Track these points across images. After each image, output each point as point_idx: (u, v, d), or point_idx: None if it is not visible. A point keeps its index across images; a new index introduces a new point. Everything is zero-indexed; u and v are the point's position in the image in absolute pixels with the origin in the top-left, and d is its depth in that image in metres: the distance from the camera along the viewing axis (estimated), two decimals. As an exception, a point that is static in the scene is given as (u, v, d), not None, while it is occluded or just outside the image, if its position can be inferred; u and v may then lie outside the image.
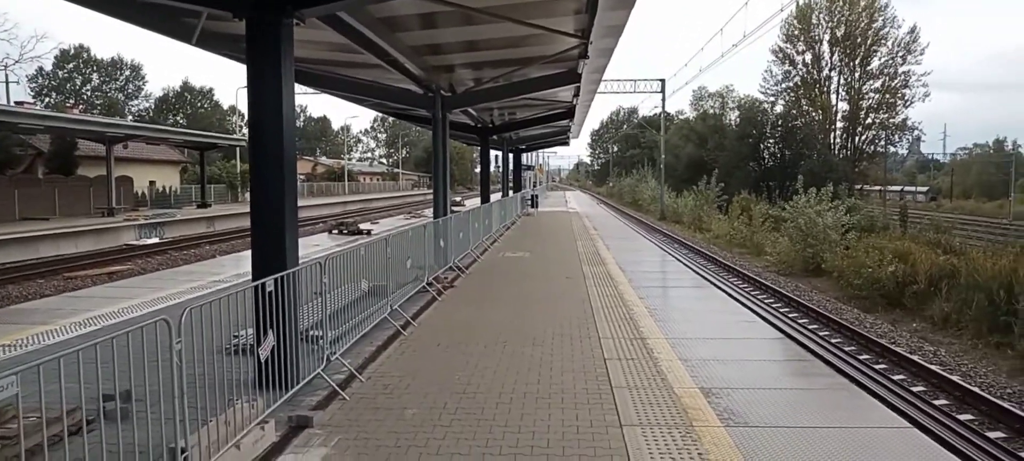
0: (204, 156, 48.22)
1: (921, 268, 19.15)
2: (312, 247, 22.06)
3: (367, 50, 12.34)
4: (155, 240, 32.63)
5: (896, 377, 11.72)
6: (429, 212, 23.83)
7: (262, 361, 5.73)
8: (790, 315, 16.60)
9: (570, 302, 11.65)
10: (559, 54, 13.77)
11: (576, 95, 19.75)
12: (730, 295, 16.79)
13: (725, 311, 11.87)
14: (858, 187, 57.80)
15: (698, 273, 20.67)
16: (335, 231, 26.35)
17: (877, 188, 66.46)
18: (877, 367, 12.34)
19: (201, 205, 45.74)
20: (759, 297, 19.02)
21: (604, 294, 12.50)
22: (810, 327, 15.46)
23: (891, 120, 71.54)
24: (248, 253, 23.40)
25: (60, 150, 40.90)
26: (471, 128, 26.83)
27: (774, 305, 18.08)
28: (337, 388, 6.89)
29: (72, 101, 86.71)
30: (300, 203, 40.52)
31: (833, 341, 14.25)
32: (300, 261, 7.37)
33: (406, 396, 6.81)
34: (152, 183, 51.42)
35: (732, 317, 11.18)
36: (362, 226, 27.33)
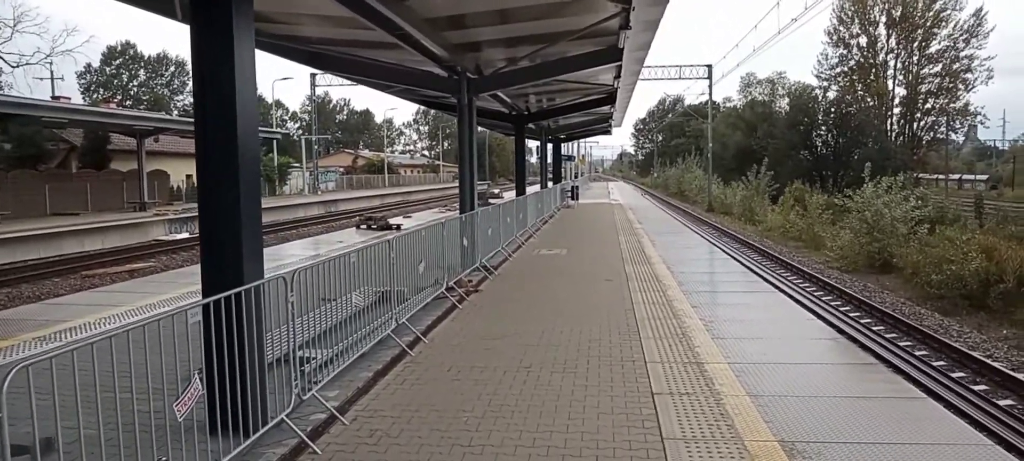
0: (239, 149, 47.44)
1: (1009, 265, 17.00)
2: (335, 243, 20.74)
3: (376, 24, 10.83)
4: (185, 235, 31.79)
5: (1003, 403, 9.80)
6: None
7: (179, 420, 4.22)
8: (865, 322, 14.55)
9: (610, 311, 9.99)
10: (597, 25, 12.04)
11: (618, 76, 17.96)
12: (794, 299, 14.88)
13: (793, 321, 10.06)
14: (917, 175, 54.75)
15: (755, 271, 18.76)
16: (363, 226, 24.98)
17: (938, 176, 63.13)
18: (976, 388, 10.41)
19: (236, 199, 44.99)
20: (827, 301, 16.97)
21: (650, 301, 10.80)
22: (896, 340, 13.40)
23: (951, 105, 68.07)
24: (276, 248, 22.40)
25: (93, 144, 40.47)
26: (505, 116, 25.17)
27: (843, 309, 16.08)
28: (305, 438, 5.37)
29: (108, 96, 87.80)
30: (338, 196, 39.73)
31: (921, 355, 12.29)
32: (294, 265, 5.87)
33: (395, 449, 5.27)
34: (189, 177, 50.97)
35: (801, 329, 9.38)
36: (392, 221, 25.93)
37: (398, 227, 23.95)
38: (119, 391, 3.83)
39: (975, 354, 12.01)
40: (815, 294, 17.89)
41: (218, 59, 5.37)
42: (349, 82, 48.75)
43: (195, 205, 35.04)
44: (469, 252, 13.13)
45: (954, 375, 11.02)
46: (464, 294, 11.21)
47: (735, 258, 21.40)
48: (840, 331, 11.25)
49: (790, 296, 14.83)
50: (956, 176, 70.23)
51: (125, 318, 9.99)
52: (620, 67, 15.92)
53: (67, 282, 19.35)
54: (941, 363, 11.74)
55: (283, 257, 17.28)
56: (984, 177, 76.91)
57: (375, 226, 24.44)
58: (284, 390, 5.72)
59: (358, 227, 25.50)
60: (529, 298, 11.25)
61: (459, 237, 12.59)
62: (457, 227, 12.64)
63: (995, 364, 11.40)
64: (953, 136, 75.86)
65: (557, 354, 7.73)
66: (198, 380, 4.39)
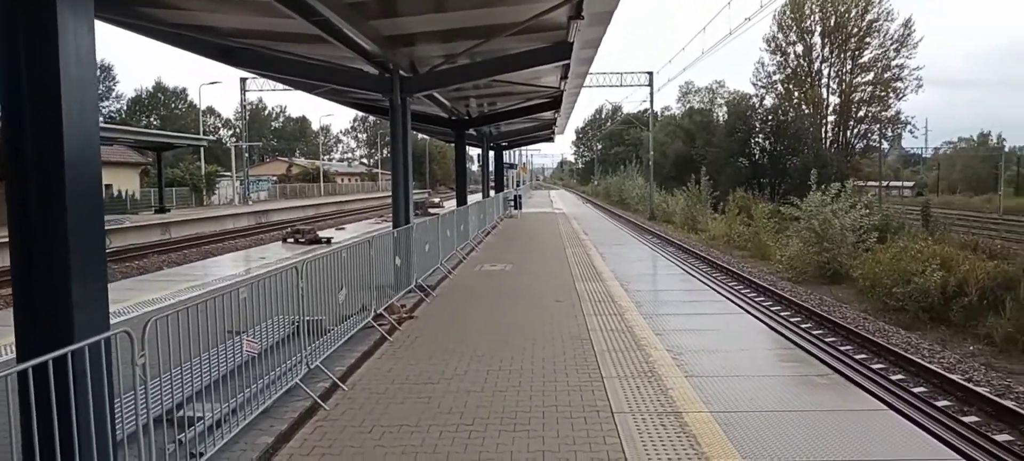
0: (161, 157, 44.80)
1: (970, 277, 16.40)
2: (257, 261, 18.96)
3: (292, 9, 9.33)
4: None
5: (1001, 438, 8.84)
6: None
7: None
8: (844, 349, 13.45)
9: (565, 342, 8.67)
10: (544, 15, 10.74)
11: (564, 78, 16.73)
12: (759, 319, 13.87)
13: (765, 350, 8.95)
14: (852, 183, 55.27)
15: (711, 287, 17.70)
16: (290, 240, 23.12)
17: (872, 184, 64.14)
18: (967, 420, 9.46)
19: (159, 210, 42.39)
20: (792, 320, 15.92)
21: (607, 327, 9.53)
22: (868, 362, 12.45)
23: (883, 113, 69.42)
24: (200, 265, 20.39)
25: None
26: (444, 121, 23.71)
27: (808, 328, 15.14)
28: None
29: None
30: (270, 206, 37.44)
31: (898, 380, 11.34)
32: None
33: None
34: (108, 187, 47.90)
35: (777, 359, 8.26)
36: (322, 234, 24.13)
37: (328, 241, 22.24)
38: None
39: (954, 376, 11.14)
40: (776, 312, 16.89)
41: (35, 33, 3.85)
42: (283, 87, 46.69)
43: (111, 217, 32.33)
44: (403, 272, 11.65)
45: (939, 404, 10.09)
46: (396, 322, 9.74)
47: (689, 272, 20.43)
48: (821, 360, 10.06)
49: (755, 316, 13.75)
50: (884, 183, 71.64)
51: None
52: (567, 66, 14.68)
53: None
54: (922, 389, 10.80)
55: (196, 278, 15.48)
56: (910, 184, 79.05)
57: (303, 239, 22.62)
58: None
59: (284, 241, 23.62)
60: (471, 326, 9.84)
61: (391, 255, 11.11)
62: (388, 244, 11.16)
63: (980, 390, 10.51)
64: (887, 144, 77.54)
65: (506, 404, 6.35)
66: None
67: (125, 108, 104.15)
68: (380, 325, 9.32)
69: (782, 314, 16.62)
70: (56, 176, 3.86)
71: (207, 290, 11.15)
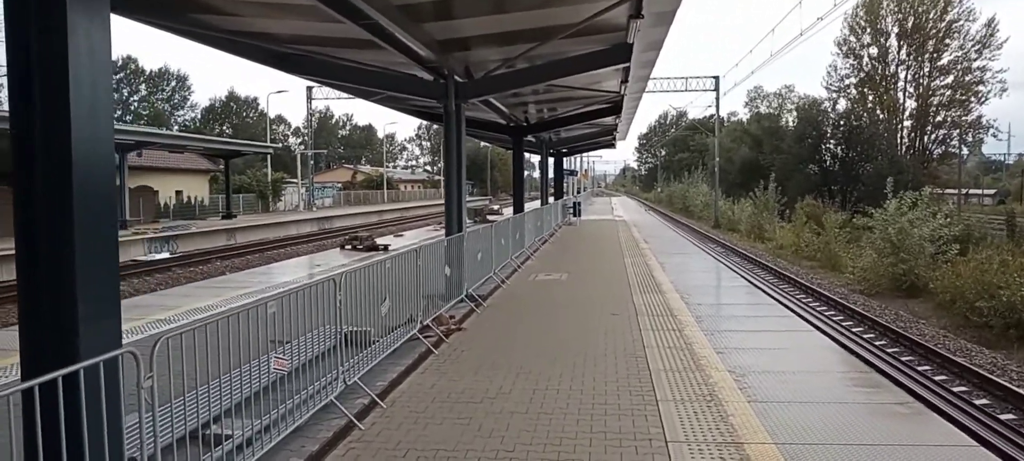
0: (229, 164, 45.94)
1: (1063, 292, 15.18)
2: (314, 267, 18.98)
3: (341, 14, 9.13)
4: (165, 255, 30.03)
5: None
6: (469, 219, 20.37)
7: None
8: (922, 368, 12.47)
9: (618, 360, 8.18)
10: (602, 14, 10.28)
11: (624, 81, 16.19)
12: (829, 335, 13.06)
13: (836, 373, 8.28)
14: (930, 190, 52.84)
15: (777, 299, 16.87)
16: (348, 247, 23.14)
17: (951, 191, 61.17)
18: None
19: (225, 216, 43.46)
20: (865, 337, 14.95)
21: (665, 343, 9.00)
22: (948, 384, 11.54)
23: (963, 118, 66.21)
24: (259, 271, 20.54)
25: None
26: (502, 127, 23.39)
27: (883, 345, 14.20)
28: None
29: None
30: (334, 212, 37.89)
31: (982, 404, 10.45)
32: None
33: None
34: (178, 193, 49.40)
35: (850, 384, 7.58)
36: (381, 240, 24.11)
37: (386, 248, 22.17)
38: None
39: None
40: (848, 327, 15.91)
41: (41, 28, 3.63)
42: (347, 95, 47.32)
43: (179, 223, 33.24)
44: (453, 281, 11.34)
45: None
46: (443, 334, 9.41)
47: (753, 283, 19.62)
48: (900, 385, 9.29)
49: (825, 333, 12.97)
50: (963, 191, 68.29)
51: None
52: (628, 70, 14.17)
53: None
54: (1010, 416, 9.90)
55: (250, 285, 15.54)
56: (991, 192, 75.15)
57: (360, 247, 22.61)
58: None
59: (342, 247, 23.68)
60: (520, 340, 9.44)
61: (441, 264, 10.81)
62: (439, 252, 10.86)
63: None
64: (969, 150, 73.98)
65: (551, 428, 5.92)
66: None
67: (199, 117, 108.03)
68: (427, 337, 9.01)
69: (854, 330, 15.67)
70: (62, 183, 3.63)
71: (230, 307, 11.08)
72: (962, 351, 13.73)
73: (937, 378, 11.82)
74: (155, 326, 10.41)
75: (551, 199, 36.36)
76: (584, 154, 61.34)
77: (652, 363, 7.99)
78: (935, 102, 65.61)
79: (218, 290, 14.57)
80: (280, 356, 5.33)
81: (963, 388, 11.29)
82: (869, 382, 7.68)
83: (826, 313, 17.70)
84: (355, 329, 7.09)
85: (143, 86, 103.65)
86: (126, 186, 35.37)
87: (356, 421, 6.06)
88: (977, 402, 10.54)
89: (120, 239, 29.80)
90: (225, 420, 5.33)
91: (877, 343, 14.45)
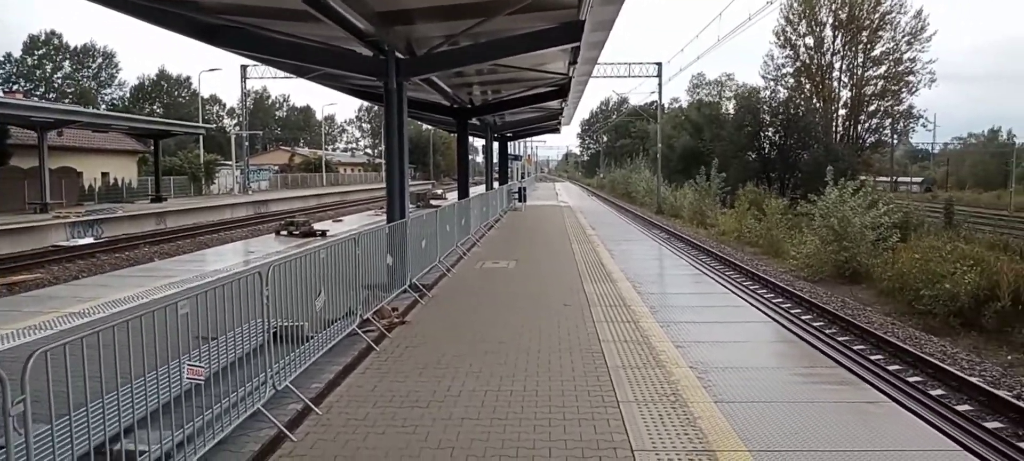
0: (159, 145, 43.89)
1: (1003, 279, 15.37)
2: (249, 254, 18.01)
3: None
4: (89, 240, 28.38)
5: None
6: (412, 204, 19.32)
7: None
8: (874, 358, 12.32)
9: (574, 355, 7.68)
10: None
11: (573, 62, 15.68)
12: (786, 327, 12.79)
13: (794, 363, 7.96)
14: (872, 179, 54.19)
15: (730, 289, 16.60)
16: (284, 232, 22.11)
17: (882, 179, 62.85)
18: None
19: (155, 199, 41.53)
20: (815, 325, 14.83)
21: (621, 336, 8.55)
22: (902, 373, 11.44)
23: (895, 108, 68.12)
24: (190, 258, 19.35)
25: (-14, 138, 36.44)
26: (446, 109, 22.68)
27: (832, 333, 14.09)
28: None
29: (27, 88, 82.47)
30: (270, 196, 36.53)
31: (938, 395, 10.34)
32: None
33: None
34: (105, 175, 46.97)
35: (809, 376, 7.23)
36: (318, 226, 23.14)
37: (323, 234, 21.26)
38: None
39: (1001, 393, 10.13)
40: (797, 315, 15.76)
41: None
42: (284, 74, 45.63)
43: (105, 206, 31.53)
44: (396, 271, 10.67)
45: (989, 425, 9.09)
46: (385, 329, 8.75)
47: (702, 271, 19.43)
48: (872, 385, 8.90)
49: (782, 324, 12.76)
50: (892, 178, 70.37)
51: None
52: (577, 49, 13.65)
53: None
54: (967, 408, 9.80)
55: (177, 274, 14.55)
56: (918, 180, 77.83)
57: (297, 232, 21.62)
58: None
59: (278, 233, 22.64)
60: (469, 334, 8.84)
61: (383, 252, 10.12)
62: (381, 240, 10.16)
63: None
64: (897, 139, 76.24)
65: (505, 437, 5.36)
66: None
67: (128, 96, 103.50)
68: (367, 332, 8.35)
69: (804, 318, 15.56)
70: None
71: (133, 305, 10.25)
72: (911, 339, 13.70)
73: (891, 367, 11.71)
74: (67, 320, 9.48)
75: (495, 184, 35.77)
76: (528, 139, 60.86)
77: (610, 359, 7.50)
78: (869, 92, 67.26)
79: (143, 279, 13.56)
80: (195, 364, 4.62)
81: (917, 378, 11.18)
82: (834, 378, 7.34)
83: (776, 301, 17.61)
84: (286, 324, 6.41)
85: (67, 62, 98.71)
86: (46, 167, 33.25)
87: (287, 432, 5.39)
88: (932, 392, 10.42)
89: (40, 223, 28.15)
90: (138, 432, 4.63)
91: (827, 331, 14.35)
